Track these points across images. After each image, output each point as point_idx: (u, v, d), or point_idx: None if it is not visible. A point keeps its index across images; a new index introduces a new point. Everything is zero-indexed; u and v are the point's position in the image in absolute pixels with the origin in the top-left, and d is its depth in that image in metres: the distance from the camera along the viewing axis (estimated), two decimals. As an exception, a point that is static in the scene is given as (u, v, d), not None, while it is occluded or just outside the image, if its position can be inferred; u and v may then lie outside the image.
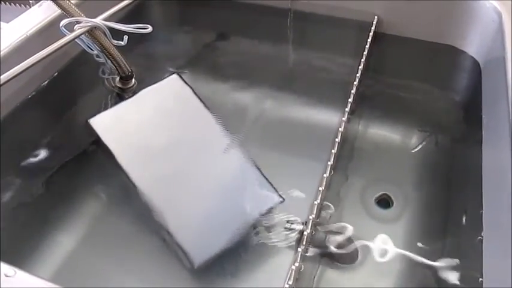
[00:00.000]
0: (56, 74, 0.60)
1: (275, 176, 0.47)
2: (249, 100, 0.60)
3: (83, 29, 0.50)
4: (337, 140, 0.48)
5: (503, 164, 0.43)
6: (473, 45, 0.63)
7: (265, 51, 0.69)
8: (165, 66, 0.66)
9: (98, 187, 0.50)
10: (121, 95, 0.59)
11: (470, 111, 0.58)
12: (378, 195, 0.50)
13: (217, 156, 0.50)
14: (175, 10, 0.76)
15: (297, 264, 0.38)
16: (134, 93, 0.58)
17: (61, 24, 0.49)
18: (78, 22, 0.50)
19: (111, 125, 0.54)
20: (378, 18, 0.66)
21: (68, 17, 0.50)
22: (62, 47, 0.48)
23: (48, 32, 0.56)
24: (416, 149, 0.54)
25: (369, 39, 0.61)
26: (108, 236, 0.46)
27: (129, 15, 0.65)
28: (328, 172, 0.45)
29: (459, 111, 0.60)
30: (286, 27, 0.71)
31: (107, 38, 0.52)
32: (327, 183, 0.45)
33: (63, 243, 0.45)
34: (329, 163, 0.46)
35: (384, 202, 0.49)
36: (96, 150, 0.53)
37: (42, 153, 0.52)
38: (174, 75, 0.58)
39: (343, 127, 0.50)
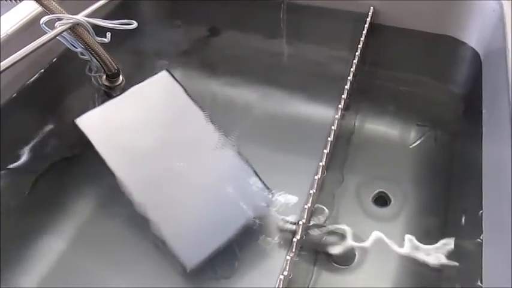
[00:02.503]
0: (41, 72, 0.59)
1: (268, 175, 0.46)
2: (241, 96, 0.59)
3: (64, 26, 0.48)
4: (329, 139, 0.47)
5: (503, 162, 0.42)
6: (474, 36, 0.62)
7: (257, 46, 0.67)
8: (155, 63, 0.64)
9: (86, 189, 0.49)
10: (109, 93, 0.58)
11: (471, 105, 0.57)
12: (375, 193, 0.48)
13: (208, 155, 0.49)
14: (164, 5, 0.75)
15: (285, 273, 0.37)
16: (123, 90, 0.57)
17: (41, 22, 0.48)
18: (59, 19, 0.48)
19: (98, 124, 0.53)
20: (374, 9, 0.65)
21: (49, 14, 0.48)
22: (42, 45, 0.47)
23: (30, 29, 0.54)
24: (414, 144, 0.53)
25: (364, 31, 0.59)
26: (97, 239, 0.45)
27: (116, 11, 0.64)
28: (320, 174, 0.44)
29: (459, 104, 0.59)
30: (279, 20, 0.70)
31: (90, 35, 0.50)
32: (318, 185, 0.44)
33: (51, 247, 0.44)
34: (320, 164, 0.45)
35: (381, 200, 0.48)
36: (84, 151, 0.52)
37: (28, 155, 0.51)
38: (164, 72, 0.57)
39: (336, 125, 0.48)
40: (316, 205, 0.46)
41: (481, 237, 0.42)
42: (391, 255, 0.43)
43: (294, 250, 0.39)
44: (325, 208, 0.46)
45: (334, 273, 0.42)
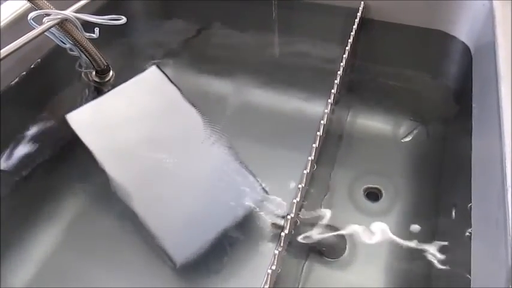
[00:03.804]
0: (30, 68, 0.59)
1: (258, 169, 0.47)
2: (231, 92, 0.59)
3: (52, 21, 0.48)
4: (318, 133, 0.46)
5: (492, 157, 0.41)
6: (464, 30, 0.62)
7: (248, 41, 0.67)
8: (145, 59, 0.64)
9: (76, 186, 0.49)
10: (99, 90, 0.57)
11: (461, 99, 0.56)
12: (366, 187, 0.48)
13: (199, 150, 0.49)
14: (154, 1, 0.75)
15: (273, 267, 0.37)
16: (113, 87, 0.57)
17: (29, 17, 0.47)
18: (47, 15, 0.48)
19: (88, 120, 0.53)
20: (364, 4, 0.64)
21: (37, 10, 0.48)
22: (30, 40, 0.46)
23: (19, 26, 0.54)
24: (406, 139, 0.53)
25: (355, 26, 0.59)
26: (87, 236, 0.45)
27: (106, 8, 0.63)
28: (309, 168, 0.44)
29: (450, 99, 0.59)
30: (270, 15, 0.70)
31: (79, 30, 0.50)
32: (307, 179, 0.44)
33: (40, 244, 0.44)
34: (310, 158, 0.44)
35: (373, 195, 0.48)
36: (74, 147, 0.51)
37: (18, 151, 0.51)
38: (153, 68, 0.57)
39: (325, 119, 0.48)
40: (307, 200, 0.45)
41: (469, 230, 0.42)
42: (383, 249, 0.43)
43: (282, 245, 0.39)
44: (316, 203, 0.46)
45: (326, 267, 0.42)
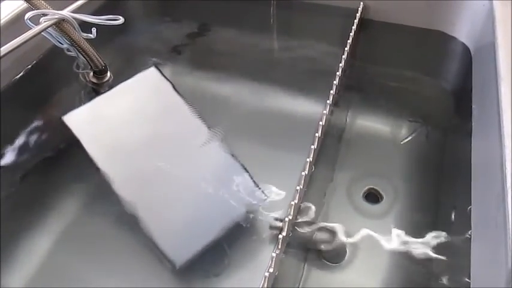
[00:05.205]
0: (27, 69, 0.59)
1: (257, 171, 0.46)
2: (230, 92, 0.59)
3: (49, 21, 0.47)
4: (317, 134, 0.46)
5: (492, 158, 0.41)
6: (464, 31, 0.62)
7: (247, 41, 0.67)
8: (143, 59, 0.63)
9: (73, 187, 0.48)
10: (97, 90, 0.57)
11: (461, 100, 0.56)
12: (366, 189, 0.48)
13: (197, 151, 0.49)
14: (152, 1, 0.75)
15: (271, 270, 0.36)
16: (110, 87, 0.56)
17: (26, 17, 0.47)
18: (44, 15, 0.48)
19: (86, 121, 0.53)
20: (364, 4, 0.64)
21: (34, 9, 0.47)
22: (27, 41, 0.46)
23: (16, 26, 0.53)
24: (405, 140, 0.52)
25: (354, 27, 0.59)
26: (85, 238, 0.45)
27: (104, 8, 0.63)
28: (307, 170, 0.43)
29: (450, 100, 0.59)
30: (269, 16, 0.70)
31: (76, 30, 0.50)
32: (305, 181, 0.43)
33: (38, 245, 0.43)
34: (308, 160, 0.44)
35: (372, 197, 0.48)
36: (71, 149, 0.51)
37: (14, 153, 0.51)
38: (152, 68, 0.57)
39: (324, 121, 0.48)
40: (306, 202, 0.45)
41: (469, 233, 0.41)
42: (382, 252, 0.42)
43: (279, 247, 0.39)
44: (315, 205, 0.45)
45: (325, 270, 0.41)
